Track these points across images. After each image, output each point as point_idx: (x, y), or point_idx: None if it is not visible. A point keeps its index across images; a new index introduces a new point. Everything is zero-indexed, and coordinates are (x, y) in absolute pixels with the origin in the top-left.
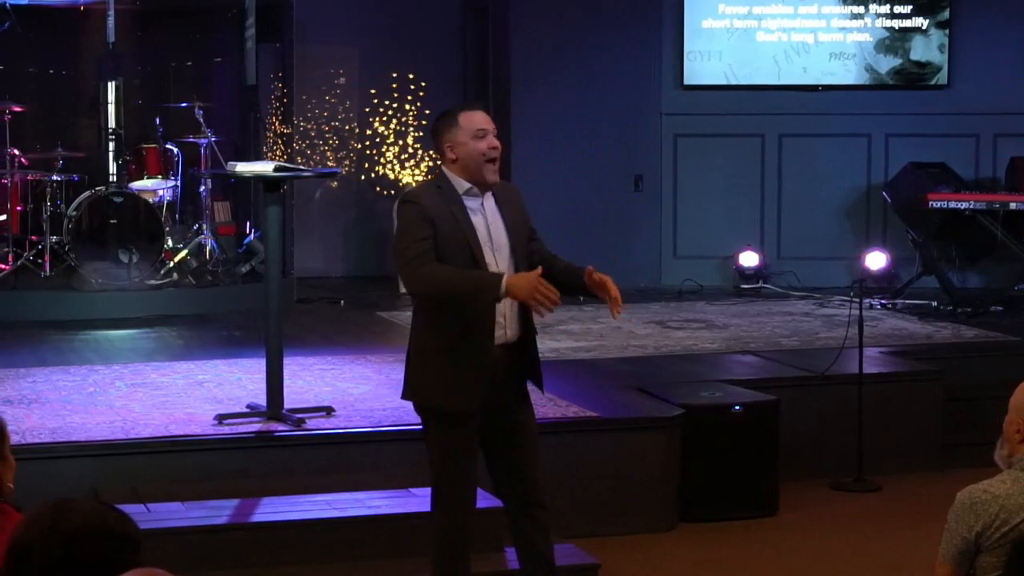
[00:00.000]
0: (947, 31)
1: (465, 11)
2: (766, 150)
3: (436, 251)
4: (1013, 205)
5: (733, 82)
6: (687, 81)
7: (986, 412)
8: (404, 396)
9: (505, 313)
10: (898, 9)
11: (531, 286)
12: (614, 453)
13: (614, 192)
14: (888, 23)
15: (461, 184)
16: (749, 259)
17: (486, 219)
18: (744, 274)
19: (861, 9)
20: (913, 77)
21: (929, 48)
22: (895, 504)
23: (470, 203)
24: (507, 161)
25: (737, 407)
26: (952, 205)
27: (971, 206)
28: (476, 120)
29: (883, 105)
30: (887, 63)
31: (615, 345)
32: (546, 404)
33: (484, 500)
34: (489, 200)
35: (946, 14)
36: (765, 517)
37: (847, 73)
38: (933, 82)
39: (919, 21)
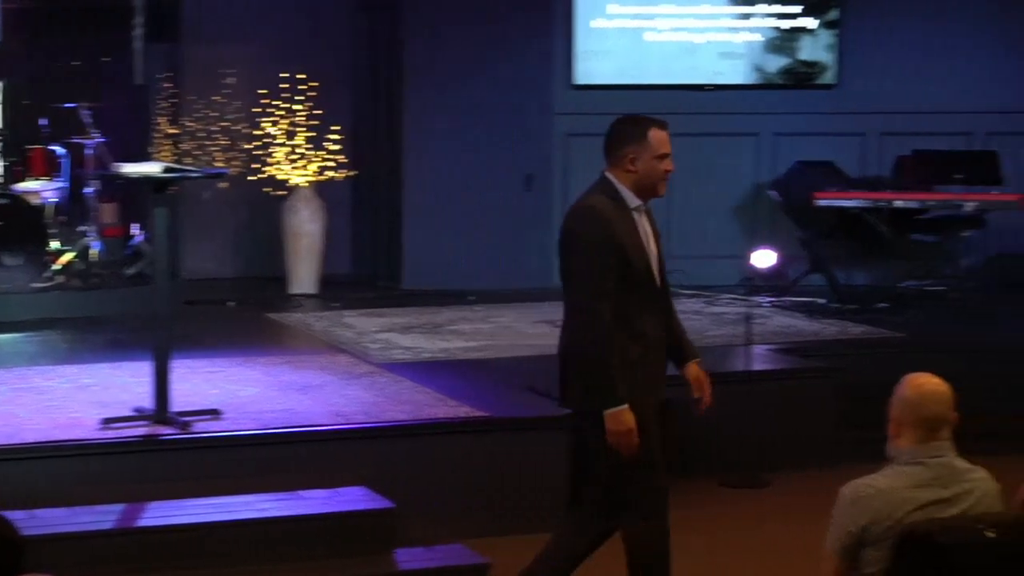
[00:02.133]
0: (835, 31)
1: (357, 11)
2: None
3: (622, 267)
4: (899, 203)
5: (623, 82)
6: (578, 81)
7: (874, 407)
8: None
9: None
10: (787, 9)
11: (626, 440)
12: (504, 453)
13: (505, 192)
14: (777, 23)
15: (632, 199)
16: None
17: (646, 234)
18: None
19: (750, 9)
20: (801, 76)
21: (817, 48)
22: (785, 500)
23: (636, 218)
24: (399, 160)
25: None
26: (839, 203)
27: (858, 204)
28: (664, 141)
29: (772, 104)
30: (776, 63)
31: (505, 345)
32: (436, 405)
33: (372, 501)
34: (644, 217)
35: (834, 14)
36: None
37: (736, 73)
38: (821, 81)
39: (807, 21)
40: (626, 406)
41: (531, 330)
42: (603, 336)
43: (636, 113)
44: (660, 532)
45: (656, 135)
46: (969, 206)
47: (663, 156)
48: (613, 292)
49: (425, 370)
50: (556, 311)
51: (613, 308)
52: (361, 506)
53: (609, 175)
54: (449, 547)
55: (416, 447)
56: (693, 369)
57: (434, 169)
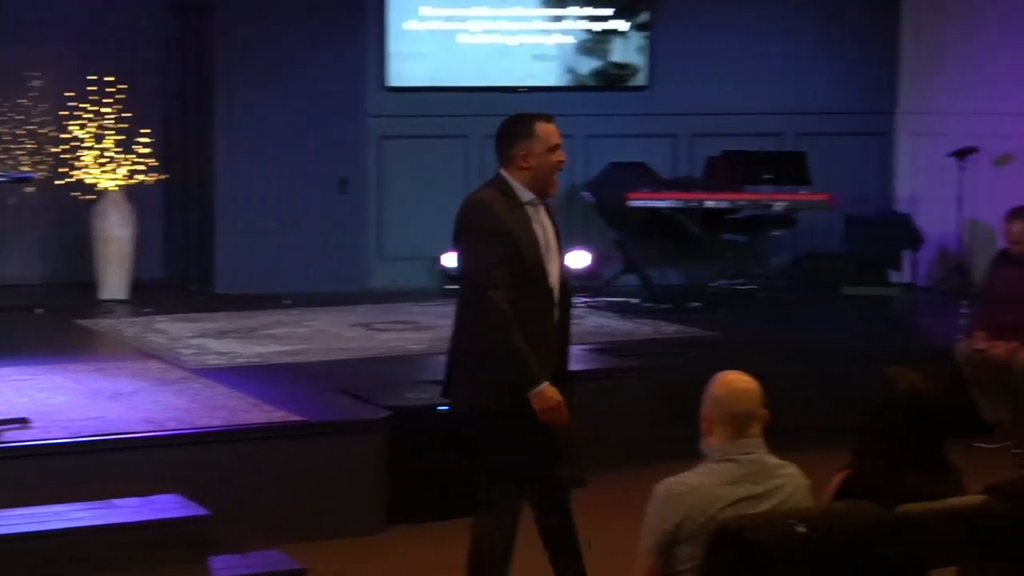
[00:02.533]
0: (646, 34)
1: (166, 13)
2: (470, 151)
3: (511, 260)
4: (710, 204)
5: (437, 84)
6: (391, 83)
7: (687, 406)
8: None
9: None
10: (598, 12)
11: (555, 415)
12: (320, 457)
13: (320, 195)
14: (588, 25)
15: (525, 193)
16: (454, 260)
17: (543, 229)
18: (450, 275)
19: (562, 12)
20: (613, 79)
21: (628, 50)
22: (602, 498)
23: (529, 211)
24: (211, 164)
25: (444, 407)
26: (652, 204)
27: (670, 205)
28: (552, 133)
29: (584, 106)
30: (588, 64)
31: (321, 348)
32: (250, 410)
33: (186, 509)
34: (542, 212)
35: (645, 17)
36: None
37: (549, 75)
38: (633, 83)
39: (619, 24)
40: (546, 383)
41: (347, 333)
42: (503, 322)
43: (523, 112)
44: (508, 531)
45: (543, 128)
46: (778, 206)
47: (554, 147)
48: (507, 283)
49: (239, 375)
50: (372, 314)
51: (507, 299)
52: (175, 514)
53: (503, 172)
54: (265, 553)
55: (231, 453)
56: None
57: (246, 172)
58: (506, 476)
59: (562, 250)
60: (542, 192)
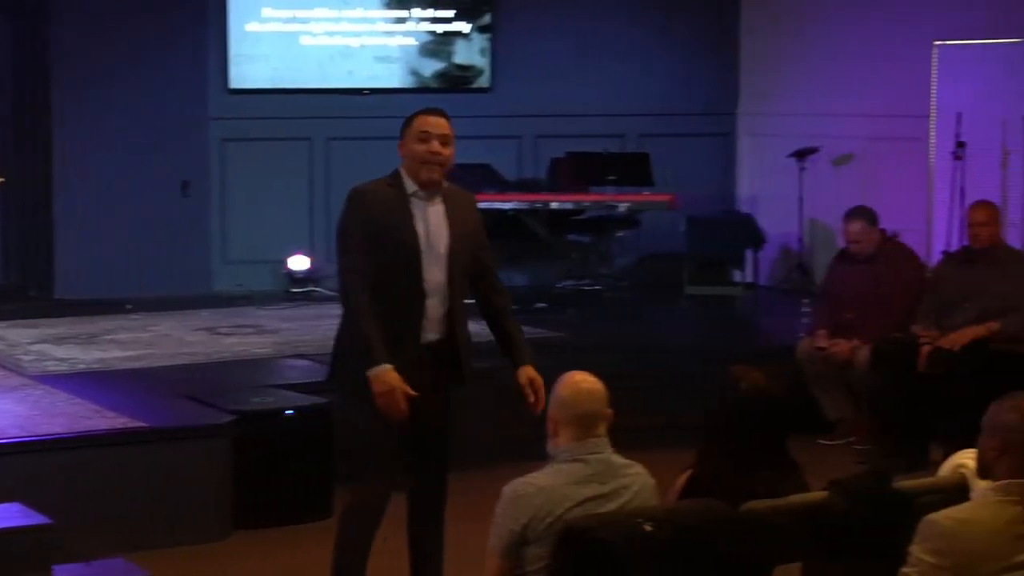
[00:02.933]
0: (488, 35)
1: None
2: (314, 153)
3: (376, 249)
4: (554, 205)
5: (279, 86)
6: (233, 85)
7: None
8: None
9: (430, 315)
10: (440, 14)
11: (390, 399)
12: (165, 463)
13: (162, 197)
14: (431, 27)
15: (410, 185)
16: (299, 263)
17: (428, 224)
18: (295, 278)
19: (404, 13)
20: (457, 80)
21: (471, 52)
22: (453, 500)
23: (416, 205)
24: (49, 166)
25: (289, 411)
26: (497, 206)
27: (515, 206)
28: (423, 123)
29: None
30: (431, 66)
31: (164, 353)
32: (93, 416)
33: (28, 517)
34: (437, 205)
35: (487, 19)
36: (320, 520)
37: (392, 76)
38: (476, 85)
39: (461, 25)
40: (389, 367)
41: (190, 337)
42: (356, 305)
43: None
44: (368, 519)
45: (419, 119)
46: (623, 207)
47: (424, 138)
48: (368, 270)
49: (81, 381)
50: (217, 318)
51: (371, 287)
52: (16, 523)
53: (400, 167)
54: (110, 561)
55: (73, 461)
56: (524, 373)
57: (86, 175)
58: (359, 464)
59: (467, 247)
60: (416, 179)
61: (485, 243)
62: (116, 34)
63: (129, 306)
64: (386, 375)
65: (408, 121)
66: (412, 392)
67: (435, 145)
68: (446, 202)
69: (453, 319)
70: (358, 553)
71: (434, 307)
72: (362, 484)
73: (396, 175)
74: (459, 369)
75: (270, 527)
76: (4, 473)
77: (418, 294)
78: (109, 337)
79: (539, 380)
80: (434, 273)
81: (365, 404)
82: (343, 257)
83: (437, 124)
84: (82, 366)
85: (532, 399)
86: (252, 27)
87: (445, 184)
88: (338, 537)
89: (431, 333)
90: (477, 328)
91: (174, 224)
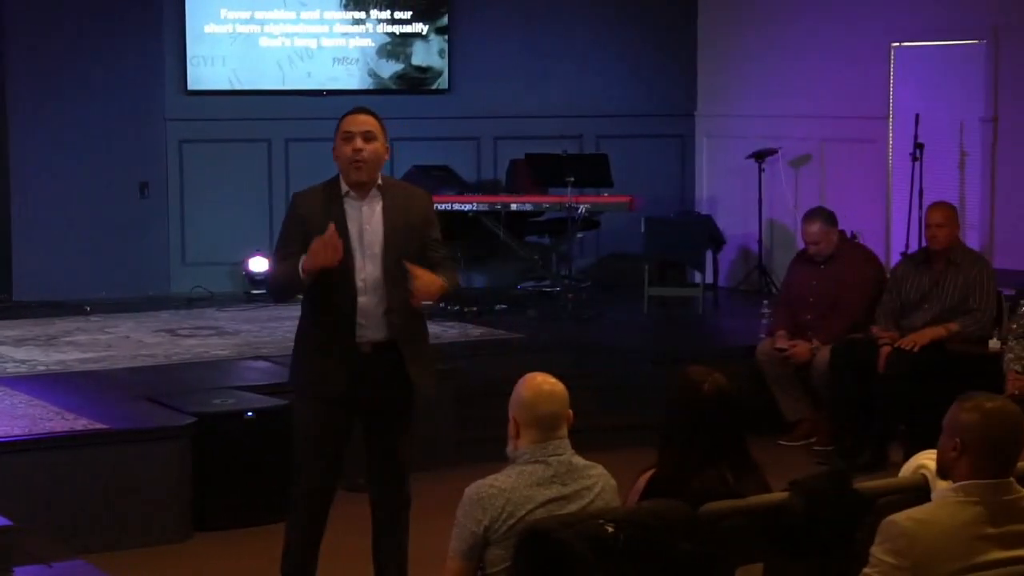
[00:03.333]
0: (446, 37)
1: None
2: (273, 155)
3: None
4: (514, 206)
5: (238, 87)
6: (191, 86)
7: (494, 408)
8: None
9: (367, 313)
10: (398, 15)
11: (318, 245)
12: (125, 465)
13: (119, 199)
14: (389, 28)
15: (344, 186)
16: (258, 264)
17: (361, 222)
18: (254, 279)
19: (363, 15)
20: (415, 81)
21: (430, 53)
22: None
23: (350, 204)
24: (5, 168)
25: (250, 413)
26: (456, 207)
27: (474, 208)
28: (346, 123)
29: (387, 109)
30: (390, 68)
31: (124, 355)
32: (53, 418)
33: None
34: (374, 203)
35: (444, 20)
36: (281, 521)
37: (351, 78)
38: (435, 86)
39: (419, 27)
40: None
41: (150, 339)
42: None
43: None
44: (302, 518)
45: (344, 120)
46: (582, 208)
47: (347, 137)
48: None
49: (41, 383)
50: (176, 319)
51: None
52: None
53: None
54: (70, 563)
55: (33, 462)
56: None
57: (43, 177)
58: (295, 463)
59: (407, 246)
60: (348, 181)
61: (432, 237)
62: (72, 36)
63: (88, 308)
64: (308, 251)
65: (336, 125)
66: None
67: (358, 142)
68: (385, 199)
69: (395, 318)
70: (300, 553)
71: (371, 305)
72: (295, 484)
73: (335, 178)
74: (404, 371)
75: (231, 528)
76: None
77: (351, 292)
78: (68, 339)
79: (429, 278)
80: (369, 271)
81: (302, 403)
82: (273, 260)
83: (358, 121)
84: (42, 368)
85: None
86: (210, 28)
87: (384, 181)
88: (284, 537)
89: (371, 331)
90: (438, 329)
91: (133, 226)
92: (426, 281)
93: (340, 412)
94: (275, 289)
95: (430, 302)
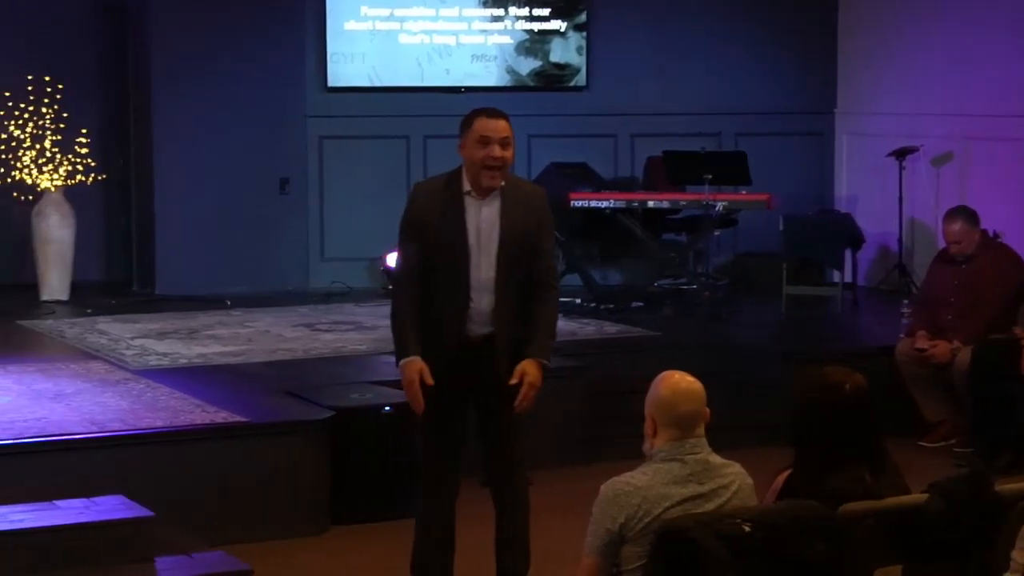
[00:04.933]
0: (584, 34)
1: (102, 11)
2: (411, 152)
3: (427, 247)
4: (651, 203)
5: (377, 84)
6: (331, 83)
7: (629, 406)
8: None
9: (478, 311)
10: (537, 12)
11: (409, 391)
12: (264, 458)
13: (260, 195)
14: (528, 25)
15: (466, 184)
16: (396, 260)
17: (479, 221)
18: (392, 275)
19: (501, 12)
20: (553, 79)
21: (568, 50)
22: (544, 498)
23: (470, 203)
24: (149, 164)
25: (387, 408)
26: (593, 204)
27: (611, 205)
28: (483, 127)
29: (524, 106)
30: (528, 65)
31: (263, 349)
32: (193, 411)
33: (130, 510)
34: (493, 203)
35: (583, 17)
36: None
37: (489, 75)
38: (572, 84)
39: (557, 24)
40: (415, 359)
41: (289, 334)
42: (393, 307)
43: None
44: (428, 522)
45: (480, 122)
46: (719, 206)
47: (484, 142)
48: (415, 262)
49: (182, 376)
50: (315, 315)
51: (421, 280)
52: (119, 515)
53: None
54: (210, 554)
55: (173, 454)
56: (522, 366)
57: (186, 172)
58: (421, 466)
59: (521, 248)
60: (475, 185)
61: (543, 248)
62: (214, 34)
63: (228, 302)
64: (409, 367)
65: (467, 122)
66: (430, 381)
67: (496, 150)
68: (504, 199)
69: (503, 316)
70: (424, 543)
71: (483, 302)
72: (425, 486)
73: (457, 173)
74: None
75: (367, 522)
76: (106, 466)
77: (464, 289)
78: (209, 333)
79: (533, 378)
80: (484, 270)
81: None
82: (398, 254)
83: (497, 128)
84: (183, 361)
85: (519, 397)
86: (350, 25)
87: (506, 181)
88: (413, 546)
89: (480, 327)
90: (574, 327)
91: (273, 222)
92: (531, 397)
93: (448, 394)
94: (396, 309)
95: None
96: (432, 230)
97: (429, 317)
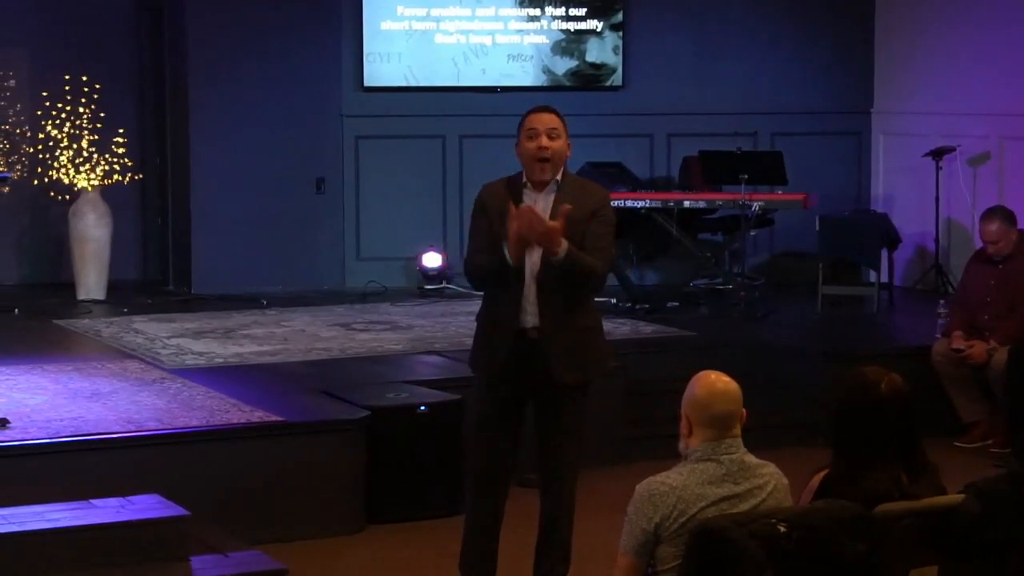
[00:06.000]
0: (620, 33)
1: (139, 11)
2: (447, 151)
3: (492, 243)
4: (687, 203)
5: (413, 84)
6: (367, 83)
7: (665, 405)
8: None
9: (531, 300)
10: (573, 12)
11: (526, 216)
12: (300, 457)
13: (296, 194)
14: (564, 25)
15: (524, 178)
16: (432, 260)
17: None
18: (428, 275)
19: (537, 12)
20: (589, 78)
21: (604, 50)
22: (580, 497)
23: (527, 196)
24: (186, 163)
25: (423, 407)
26: (629, 204)
27: (647, 205)
28: (531, 121)
29: (560, 106)
30: (564, 65)
31: (299, 348)
32: (229, 410)
33: (166, 509)
34: (549, 196)
35: (619, 17)
36: (452, 516)
37: (525, 75)
38: (608, 83)
39: (594, 23)
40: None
41: (325, 333)
42: (470, 265)
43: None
44: (473, 523)
45: (528, 118)
46: (756, 206)
47: (532, 135)
48: (483, 245)
49: (218, 375)
50: (351, 314)
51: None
52: (155, 514)
53: None
54: (245, 553)
55: (210, 453)
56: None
57: (222, 172)
58: (473, 464)
59: (571, 234)
60: (530, 178)
61: (595, 231)
62: (251, 34)
63: (264, 302)
64: (513, 215)
65: (521, 121)
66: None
67: (543, 140)
68: (561, 192)
69: (553, 308)
70: (474, 543)
71: (534, 293)
72: (471, 482)
73: (519, 174)
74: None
75: (402, 521)
76: (142, 465)
77: (520, 278)
78: (245, 332)
79: (557, 229)
80: (535, 260)
81: (477, 383)
82: (470, 243)
83: (543, 120)
84: (219, 360)
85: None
86: (387, 25)
87: (565, 177)
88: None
89: (532, 317)
90: (609, 326)
91: (309, 221)
92: (536, 219)
93: (507, 393)
94: (480, 277)
95: (557, 256)
96: (493, 222)
97: (489, 308)
